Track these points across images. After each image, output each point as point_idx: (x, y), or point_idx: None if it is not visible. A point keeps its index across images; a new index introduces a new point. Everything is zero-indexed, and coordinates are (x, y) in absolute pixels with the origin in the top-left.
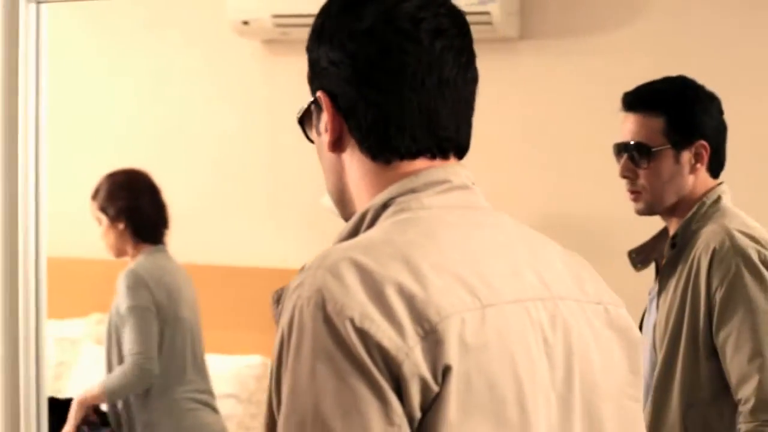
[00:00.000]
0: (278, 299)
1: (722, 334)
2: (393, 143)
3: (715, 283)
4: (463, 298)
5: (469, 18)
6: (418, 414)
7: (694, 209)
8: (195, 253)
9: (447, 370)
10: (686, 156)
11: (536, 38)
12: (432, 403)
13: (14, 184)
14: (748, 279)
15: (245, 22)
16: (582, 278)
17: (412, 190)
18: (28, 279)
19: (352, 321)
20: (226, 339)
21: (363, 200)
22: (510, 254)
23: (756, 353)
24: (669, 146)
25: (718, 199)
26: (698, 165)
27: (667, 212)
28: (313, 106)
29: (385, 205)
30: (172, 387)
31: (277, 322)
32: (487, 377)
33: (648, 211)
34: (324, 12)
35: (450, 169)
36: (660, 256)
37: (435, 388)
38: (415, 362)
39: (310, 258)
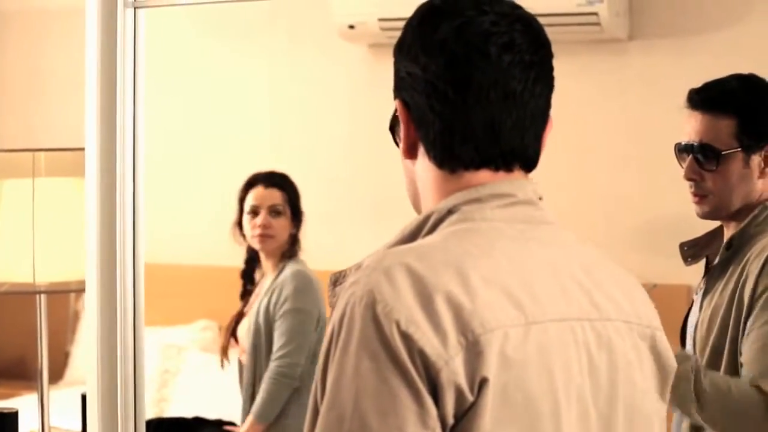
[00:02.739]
0: (335, 282)
1: (746, 342)
2: (457, 153)
3: (759, 290)
4: (509, 313)
5: (576, 19)
6: (451, 420)
7: (755, 212)
8: None
9: (484, 382)
10: (756, 160)
11: (645, 39)
12: (466, 412)
13: (112, 192)
14: None
15: (351, 26)
16: (635, 300)
17: (477, 200)
18: (125, 287)
19: (398, 324)
20: None
21: (429, 206)
22: (562, 273)
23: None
24: (739, 149)
25: None
26: (766, 169)
27: (730, 216)
28: (398, 118)
29: (449, 212)
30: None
31: (332, 305)
32: (524, 392)
33: (712, 215)
34: (407, 24)
35: (516, 183)
36: (712, 253)
37: (470, 398)
38: (453, 371)
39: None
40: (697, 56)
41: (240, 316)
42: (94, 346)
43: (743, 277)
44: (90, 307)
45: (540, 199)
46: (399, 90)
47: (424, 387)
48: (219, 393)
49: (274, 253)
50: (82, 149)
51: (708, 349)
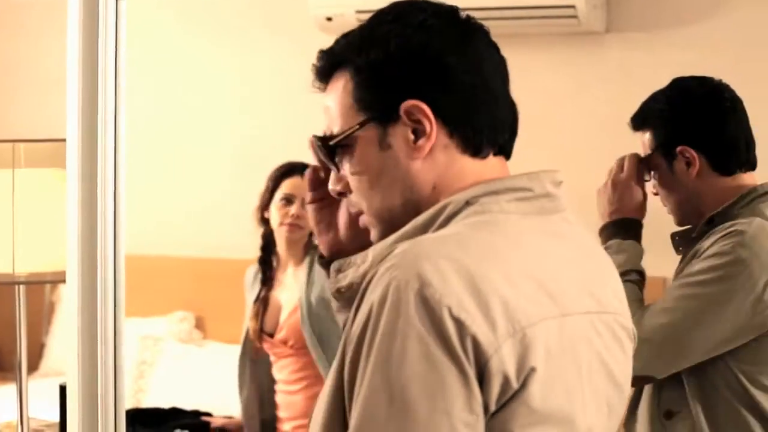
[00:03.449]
0: (339, 269)
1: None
2: (498, 139)
3: (700, 253)
4: (546, 306)
5: (554, 12)
6: (493, 407)
7: (742, 193)
8: None
9: (532, 371)
10: (678, 165)
11: (622, 31)
12: (509, 400)
13: (93, 182)
14: (727, 260)
15: (329, 18)
16: (623, 293)
17: (494, 192)
18: (106, 278)
19: (449, 309)
20: None
21: (438, 201)
22: (580, 267)
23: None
24: (661, 159)
25: None
26: (690, 170)
27: (698, 221)
28: (371, 124)
29: (467, 203)
30: None
31: (336, 291)
32: (563, 383)
33: (679, 222)
34: (394, 34)
35: (534, 176)
36: None
37: (515, 386)
38: (501, 359)
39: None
40: (673, 49)
41: (265, 303)
42: (75, 337)
43: (701, 244)
44: (71, 298)
45: (560, 183)
46: (409, 93)
47: (472, 372)
48: (196, 384)
49: (298, 243)
50: (62, 140)
51: None
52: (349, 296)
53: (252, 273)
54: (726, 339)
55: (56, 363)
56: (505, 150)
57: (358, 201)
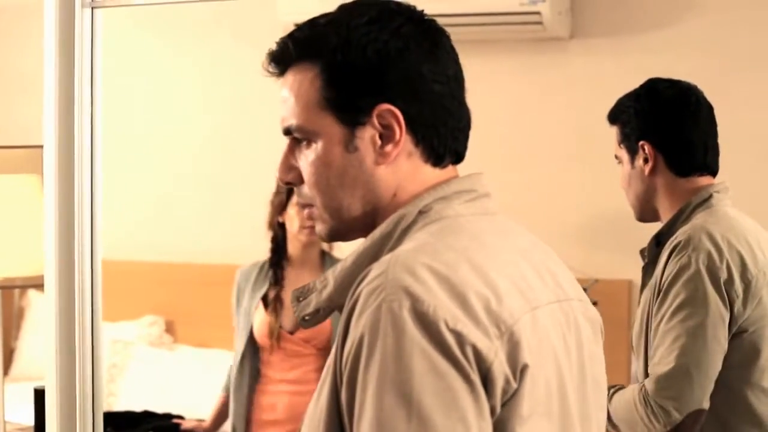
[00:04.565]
0: (298, 298)
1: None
2: (459, 148)
3: (663, 279)
4: (520, 301)
5: (519, 18)
6: (498, 409)
7: (681, 207)
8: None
9: (525, 368)
10: (637, 160)
11: (587, 37)
12: (509, 399)
13: (70, 188)
14: (687, 279)
15: (297, 25)
16: (572, 278)
17: (444, 198)
18: (83, 283)
19: (446, 322)
20: None
21: (397, 209)
22: (533, 259)
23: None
24: (624, 153)
25: (709, 197)
26: (647, 166)
27: (655, 218)
28: (338, 123)
29: (420, 212)
30: None
31: (301, 320)
32: (543, 375)
33: (639, 217)
34: (372, 38)
35: (475, 177)
36: None
37: (514, 385)
38: (501, 361)
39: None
40: (636, 55)
41: (280, 302)
42: (53, 342)
43: (657, 270)
44: (49, 303)
45: None
46: (380, 95)
47: (477, 379)
48: (167, 387)
49: (316, 245)
50: (36, 147)
51: (641, 349)
52: (316, 322)
53: (248, 274)
54: (726, 336)
55: (27, 367)
56: (460, 158)
57: (312, 195)
